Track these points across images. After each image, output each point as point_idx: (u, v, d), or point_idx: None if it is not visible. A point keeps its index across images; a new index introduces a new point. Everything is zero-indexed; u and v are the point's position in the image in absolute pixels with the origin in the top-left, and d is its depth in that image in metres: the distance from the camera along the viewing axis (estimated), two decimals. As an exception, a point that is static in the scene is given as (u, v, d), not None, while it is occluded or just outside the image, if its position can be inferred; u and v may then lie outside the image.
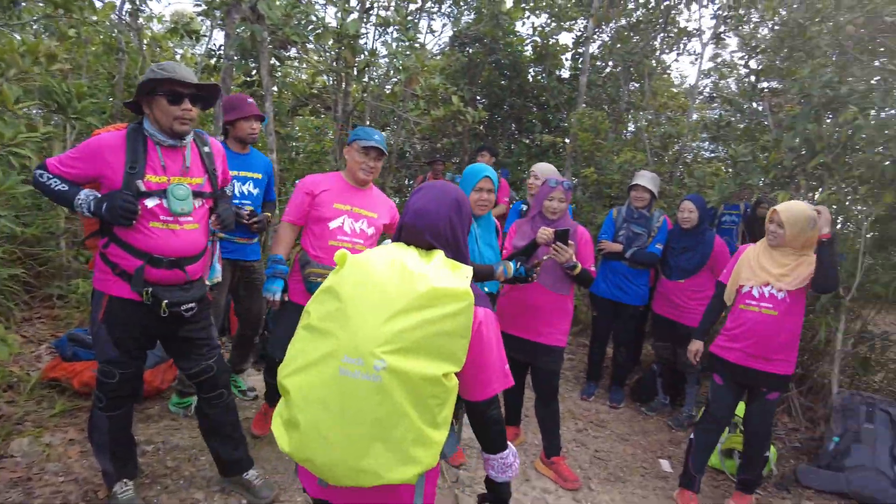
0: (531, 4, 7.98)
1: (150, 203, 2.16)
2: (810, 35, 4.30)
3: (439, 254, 1.43)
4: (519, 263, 2.82)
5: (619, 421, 4.21)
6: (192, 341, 2.41)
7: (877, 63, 3.92)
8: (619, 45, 7.64)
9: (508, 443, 1.51)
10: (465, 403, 1.45)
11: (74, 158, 2.15)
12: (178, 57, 7.80)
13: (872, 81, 3.76)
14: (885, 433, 3.44)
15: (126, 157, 2.14)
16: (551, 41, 8.15)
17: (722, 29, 6.93)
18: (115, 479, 2.42)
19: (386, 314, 1.26)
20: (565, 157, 7.26)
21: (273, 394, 3.15)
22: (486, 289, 2.88)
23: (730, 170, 5.41)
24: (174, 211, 2.20)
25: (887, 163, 3.43)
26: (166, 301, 2.20)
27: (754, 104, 5.36)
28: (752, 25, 6.39)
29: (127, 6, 5.45)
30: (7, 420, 2.90)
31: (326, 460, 1.26)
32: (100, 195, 2.13)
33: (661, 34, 7.73)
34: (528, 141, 8.60)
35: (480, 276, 2.72)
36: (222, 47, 4.98)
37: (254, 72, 5.35)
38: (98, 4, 3.68)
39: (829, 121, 3.89)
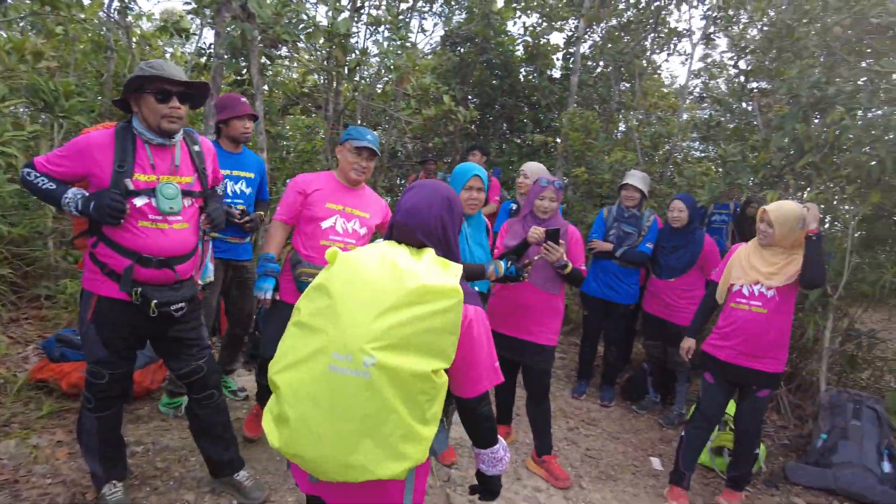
0: (522, 4, 8.01)
1: (139, 202, 2.14)
2: (798, 36, 4.34)
3: (430, 252, 1.43)
4: (510, 262, 2.83)
5: (609, 419, 4.23)
6: (182, 341, 2.39)
7: (863, 64, 3.96)
8: (609, 46, 7.68)
9: (499, 437, 1.52)
10: (456, 400, 1.46)
11: (62, 157, 2.13)
12: (167, 55, 7.75)
13: (859, 82, 3.80)
14: (872, 430, 3.48)
15: (114, 156, 2.12)
16: (542, 41, 8.18)
17: (712, 29, 6.99)
18: (104, 481, 2.39)
19: (376, 311, 1.26)
20: (556, 156, 7.28)
21: (265, 395, 3.14)
22: (477, 288, 2.89)
23: (719, 169, 5.45)
24: (163, 210, 2.18)
25: (874, 163, 3.47)
26: (155, 301, 2.18)
27: (744, 104, 5.40)
28: (741, 26, 6.44)
29: (115, 4, 5.40)
30: (-6, 422, 2.87)
31: (316, 456, 1.27)
32: (88, 194, 2.11)
33: (652, 34, 7.77)
34: (519, 140, 8.62)
35: (472, 276, 2.72)
36: (212, 46, 4.95)
37: (244, 70, 5.31)
38: (86, 2, 3.64)
39: (816, 121, 3.93)
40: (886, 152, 3.30)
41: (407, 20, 7.21)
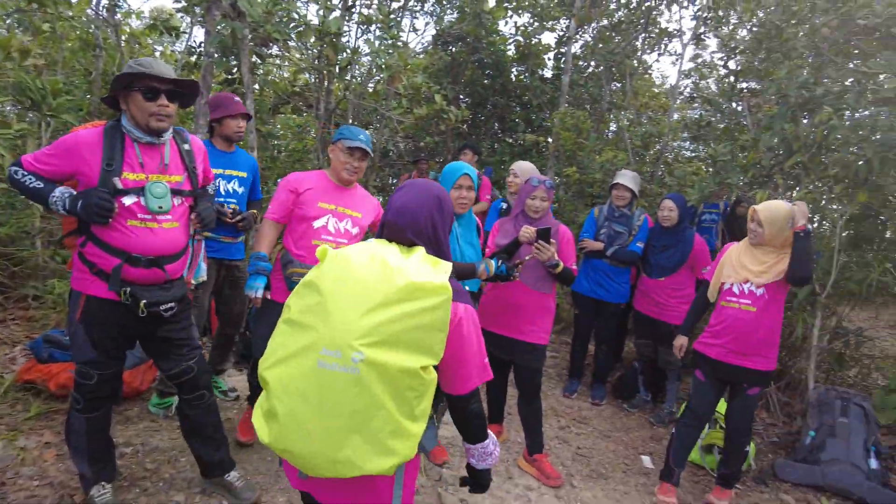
0: (514, 4, 8.01)
1: (128, 201, 2.12)
2: (787, 37, 4.37)
3: (420, 250, 1.44)
4: (500, 262, 2.84)
5: (601, 418, 4.25)
6: (171, 341, 2.38)
7: (851, 65, 4.00)
8: (601, 46, 7.70)
9: (489, 432, 1.53)
10: (446, 397, 1.47)
11: (50, 155, 2.11)
12: (157, 54, 7.69)
13: (847, 83, 3.84)
14: (859, 427, 3.52)
15: (103, 154, 2.10)
16: (534, 41, 8.19)
17: (702, 30, 7.03)
18: (93, 483, 2.37)
19: (365, 307, 1.27)
20: (548, 156, 7.30)
21: (257, 396, 3.12)
22: (468, 287, 2.89)
23: (710, 169, 5.48)
24: (152, 209, 2.16)
25: (861, 163, 3.50)
26: (144, 301, 2.17)
27: (733, 104, 5.44)
28: (731, 27, 6.48)
29: (104, 1, 5.35)
30: (-20, 423, 2.84)
31: (305, 451, 1.27)
32: (75, 192, 2.09)
33: (643, 35, 7.80)
34: (511, 140, 8.63)
35: (462, 275, 2.72)
36: (202, 44, 4.92)
37: (235, 69, 5.29)
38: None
39: (805, 121, 3.96)
40: (873, 152, 3.34)
41: (398, 19, 7.21)
